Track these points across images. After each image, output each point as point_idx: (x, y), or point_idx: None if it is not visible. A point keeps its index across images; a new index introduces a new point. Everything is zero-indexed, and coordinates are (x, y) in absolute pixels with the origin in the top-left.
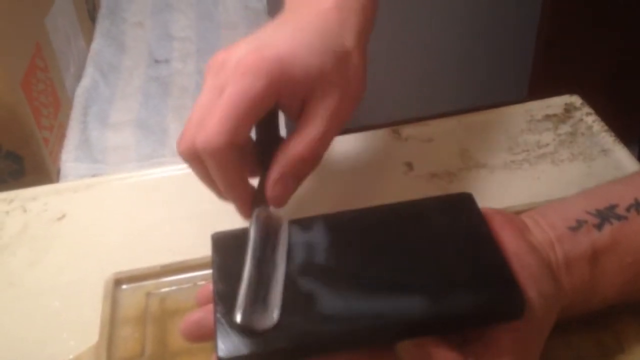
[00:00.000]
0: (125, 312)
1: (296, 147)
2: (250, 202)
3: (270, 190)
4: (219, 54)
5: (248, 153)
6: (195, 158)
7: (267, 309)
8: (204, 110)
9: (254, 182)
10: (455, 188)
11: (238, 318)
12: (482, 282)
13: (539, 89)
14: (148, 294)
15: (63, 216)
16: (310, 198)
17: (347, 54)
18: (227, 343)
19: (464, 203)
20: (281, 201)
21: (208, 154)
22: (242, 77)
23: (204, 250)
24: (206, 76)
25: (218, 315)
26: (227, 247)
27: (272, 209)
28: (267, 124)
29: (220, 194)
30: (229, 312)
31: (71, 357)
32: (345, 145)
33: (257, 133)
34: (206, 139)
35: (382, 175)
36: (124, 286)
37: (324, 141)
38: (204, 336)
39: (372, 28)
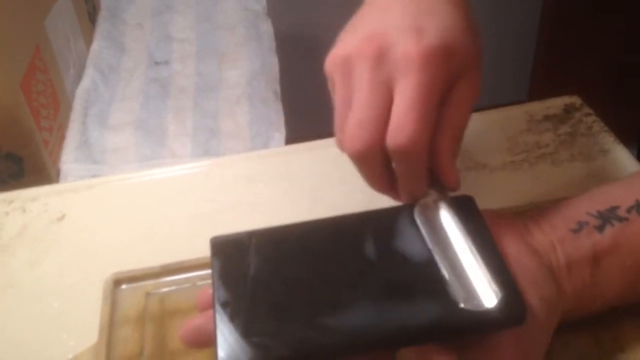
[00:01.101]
0: (125, 312)
1: (457, 129)
2: (423, 190)
3: (453, 178)
4: (362, 48)
5: None
6: (376, 158)
7: (484, 290)
8: (378, 108)
9: None
10: None
11: (483, 305)
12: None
13: (538, 91)
14: (147, 294)
15: (63, 217)
16: (312, 201)
17: (476, 27)
18: (227, 351)
19: (466, 206)
20: (459, 184)
21: (409, 153)
22: (422, 70)
23: (203, 250)
24: (353, 72)
25: (218, 322)
26: (227, 251)
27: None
28: None
29: (387, 190)
30: (229, 319)
31: (70, 357)
32: None
33: None
34: (408, 138)
35: None
36: (124, 286)
37: (469, 117)
38: (204, 343)
39: None
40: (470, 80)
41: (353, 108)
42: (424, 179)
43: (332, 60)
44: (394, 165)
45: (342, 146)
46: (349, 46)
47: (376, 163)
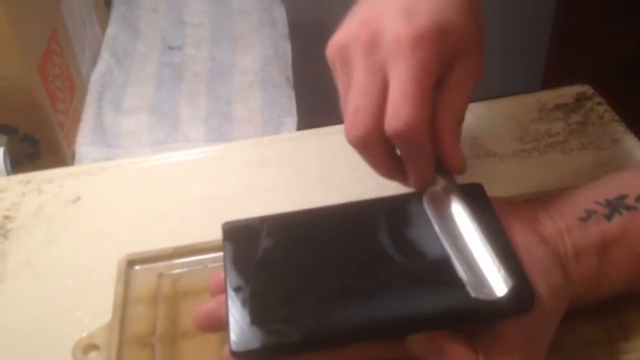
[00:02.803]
0: (138, 292)
1: (457, 111)
2: (431, 174)
3: (458, 160)
4: (356, 34)
5: None
6: (375, 145)
7: (494, 278)
8: (373, 94)
9: None
10: (464, 176)
11: (484, 293)
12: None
13: (552, 81)
14: (160, 275)
15: (78, 198)
16: (323, 186)
17: (479, 10)
18: (240, 336)
19: (475, 194)
20: (465, 166)
21: (409, 137)
22: (413, 52)
23: (215, 233)
24: (351, 61)
25: (230, 307)
26: (239, 237)
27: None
28: None
29: (394, 176)
30: (241, 304)
31: (85, 334)
32: None
33: None
34: (405, 123)
35: None
36: (137, 267)
37: (470, 100)
38: (216, 327)
39: None
40: (469, 61)
41: (350, 95)
42: (430, 162)
43: (331, 48)
44: (398, 151)
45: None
46: (346, 33)
47: (377, 150)
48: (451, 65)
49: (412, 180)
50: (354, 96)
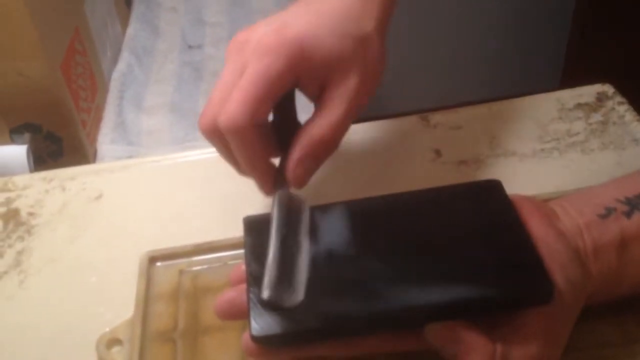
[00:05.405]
0: (159, 288)
1: (317, 130)
2: (271, 179)
3: (291, 172)
4: (240, 34)
5: (267, 133)
6: (216, 135)
7: (293, 287)
8: (224, 89)
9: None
10: (483, 175)
11: (265, 294)
12: (511, 268)
13: (571, 80)
14: (181, 272)
15: (100, 195)
16: (339, 184)
17: (368, 38)
18: (260, 322)
19: (493, 189)
20: (302, 182)
21: (230, 133)
22: (262, 57)
23: (235, 231)
24: (227, 57)
25: (251, 295)
26: (259, 230)
27: (293, 190)
28: (284, 105)
29: (240, 169)
30: (261, 292)
31: (107, 330)
32: (373, 132)
33: (274, 114)
34: (228, 118)
35: (410, 162)
36: (158, 263)
37: (343, 124)
38: (237, 315)
39: (394, 11)
40: (343, 87)
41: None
42: (257, 162)
43: (227, 48)
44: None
45: None
46: (236, 37)
47: (220, 142)
48: (326, 85)
49: (252, 177)
50: (214, 89)
